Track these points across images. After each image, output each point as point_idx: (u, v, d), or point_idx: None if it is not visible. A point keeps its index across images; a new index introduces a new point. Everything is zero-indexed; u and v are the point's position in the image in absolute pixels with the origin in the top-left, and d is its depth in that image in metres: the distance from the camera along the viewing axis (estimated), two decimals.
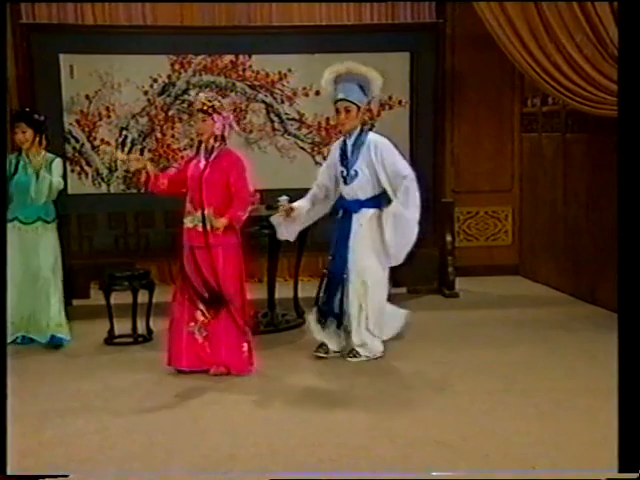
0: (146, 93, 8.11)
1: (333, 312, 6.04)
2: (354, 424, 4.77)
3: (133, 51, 8.03)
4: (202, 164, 5.64)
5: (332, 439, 4.54)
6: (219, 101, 5.67)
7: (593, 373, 5.50)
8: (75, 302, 7.70)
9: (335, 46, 7.66)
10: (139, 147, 8.00)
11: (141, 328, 6.66)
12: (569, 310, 7.51)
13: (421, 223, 5.99)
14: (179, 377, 5.68)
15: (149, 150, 7.99)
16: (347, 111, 5.94)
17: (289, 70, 8.20)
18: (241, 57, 8.17)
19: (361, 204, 6.01)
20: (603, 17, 6.35)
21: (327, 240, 6.19)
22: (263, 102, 8.26)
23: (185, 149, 7.92)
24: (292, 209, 6.05)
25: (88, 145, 8.11)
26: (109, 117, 8.09)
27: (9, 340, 6.26)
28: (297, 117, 8.29)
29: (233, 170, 5.60)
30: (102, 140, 8.08)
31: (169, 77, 8.11)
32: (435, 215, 8.02)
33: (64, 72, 7.91)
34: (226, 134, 5.68)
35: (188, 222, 5.64)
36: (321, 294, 6.11)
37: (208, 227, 5.54)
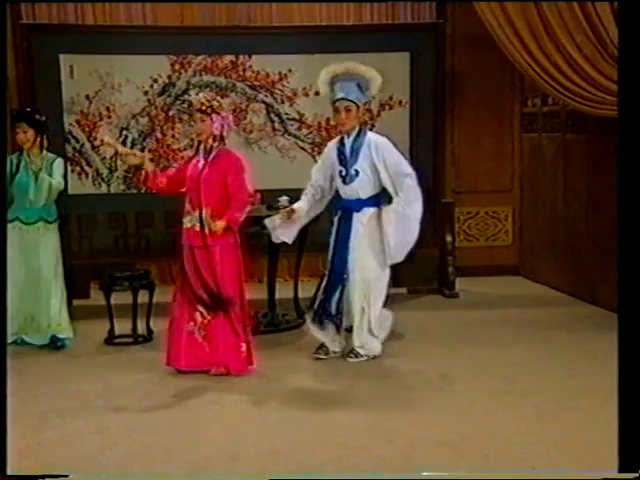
0: (146, 93, 8.12)
1: (331, 313, 6.03)
2: (354, 424, 4.77)
3: (133, 51, 8.04)
4: (201, 164, 5.65)
5: (332, 439, 4.54)
6: (218, 101, 5.66)
7: (593, 373, 5.50)
8: (75, 302, 7.68)
9: (335, 46, 7.67)
10: (139, 147, 7.99)
11: (141, 328, 6.66)
12: (569, 310, 7.51)
13: (421, 223, 5.99)
14: (179, 377, 5.68)
15: (149, 150, 7.98)
16: (347, 110, 5.94)
17: (289, 70, 8.21)
18: (241, 57, 8.18)
19: (362, 203, 6.01)
20: (603, 17, 6.34)
21: (327, 240, 6.18)
22: (263, 102, 8.27)
23: (185, 149, 7.91)
24: (294, 211, 6.04)
25: (88, 145, 8.12)
26: (109, 117, 8.10)
27: (10, 340, 6.26)
28: (297, 117, 8.30)
29: (231, 170, 5.60)
30: (102, 140, 8.08)
31: (169, 77, 8.12)
32: (435, 215, 8.01)
33: (64, 72, 7.92)
34: (225, 134, 5.68)
35: (187, 222, 5.65)
36: (320, 295, 6.09)
37: (206, 230, 5.55)
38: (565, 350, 6.20)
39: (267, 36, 8.25)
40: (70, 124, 8.02)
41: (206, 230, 5.54)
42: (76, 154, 8.07)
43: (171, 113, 8.17)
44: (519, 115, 8.92)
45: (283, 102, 8.27)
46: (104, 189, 8.18)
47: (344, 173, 6.01)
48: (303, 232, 6.47)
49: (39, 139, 6.42)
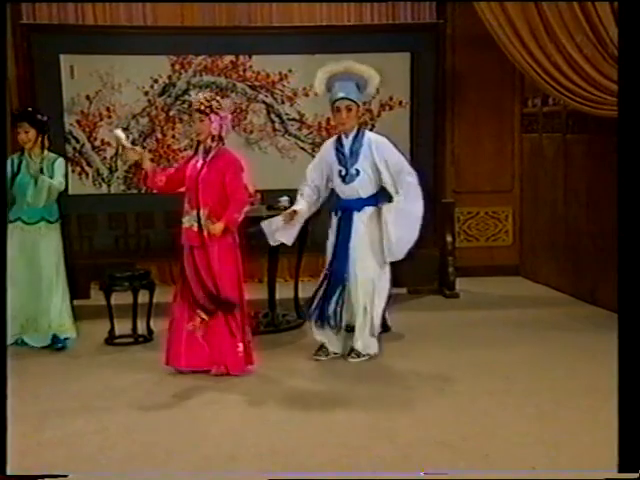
0: (146, 94, 8.12)
1: (331, 313, 6.01)
2: (354, 424, 4.77)
3: (134, 51, 8.03)
4: (200, 164, 5.65)
5: (332, 439, 4.54)
6: (217, 101, 5.67)
7: (593, 373, 5.49)
8: (75, 302, 7.65)
9: (335, 46, 7.66)
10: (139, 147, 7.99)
11: (141, 328, 6.66)
12: (569, 310, 7.51)
13: (422, 223, 6.00)
14: (179, 377, 5.68)
15: (150, 150, 7.96)
16: (348, 110, 5.95)
17: (289, 70, 8.21)
18: (241, 57, 8.18)
19: (363, 202, 6.01)
20: (603, 17, 6.34)
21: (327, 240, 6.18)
22: (263, 102, 8.27)
23: (185, 149, 7.91)
24: (296, 212, 6.02)
25: (89, 145, 8.12)
26: (110, 117, 8.10)
27: (11, 341, 6.26)
28: (297, 117, 8.30)
29: (229, 170, 5.61)
30: (102, 141, 8.09)
31: (169, 77, 8.12)
32: (435, 215, 8.00)
33: (64, 72, 7.92)
34: (224, 134, 5.69)
35: (185, 222, 5.67)
36: (319, 295, 6.06)
37: (205, 233, 5.55)
38: (565, 350, 6.20)
39: (267, 36, 8.24)
40: (70, 124, 8.02)
41: (205, 232, 5.55)
42: (76, 154, 8.07)
43: (171, 113, 8.17)
44: (519, 115, 8.92)
45: (283, 102, 8.27)
46: (104, 189, 8.18)
47: (344, 173, 6.00)
48: (303, 232, 6.46)
49: (40, 139, 6.42)
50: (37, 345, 6.42)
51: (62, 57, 7.88)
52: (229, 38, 8.23)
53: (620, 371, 3.65)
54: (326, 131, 8.13)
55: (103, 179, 8.17)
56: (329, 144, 6.16)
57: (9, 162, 6.35)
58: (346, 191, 6.02)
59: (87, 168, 8.13)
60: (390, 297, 6.23)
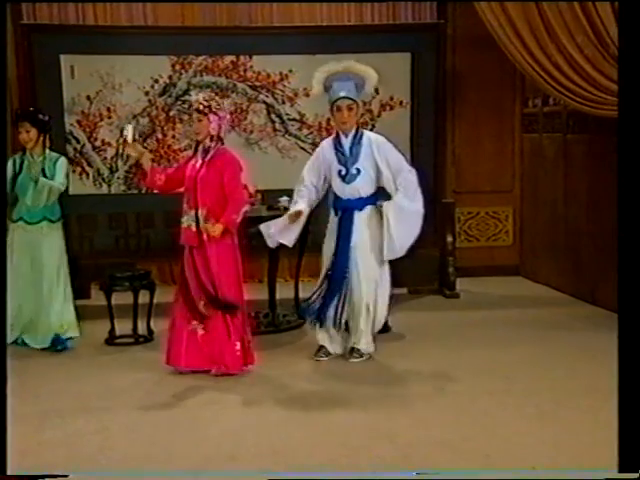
0: (147, 94, 8.12)
1: (332, 314, 6.01)
2: (354, 424, 4.77)
3: (134, 51, 8.05)
4: (198, 164, 5.66)
5: (332, 439, 4.54)
6: (216, 101, 5.67)
7: (593, 373, 5.49)
8: (76, 302, 7.68)
9: (336, 46, 7.66)
10: None
11: (142, 328, 6.66)
12: (570, 310, 7.51)
13: (422, 224, 6.00)
14: (180, 377, 5.68)
15: (150, 151, 7.96)
16: (349, 109, 5.96)
17: (290, 71, 8.21)
18: (242, 58, 8.19)
19: (364, 202, 6.01)
20: (604, 17, 6.34)
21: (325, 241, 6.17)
22: (264, 103, 8.28)
23: (186, 150, 7.92)
24: (301, 213, 6.00)
25: (89, 146, 8.13)
26: (110, 118, 8.11)
27: (11, 340, 6.26)
28: (298, 117, 8.30)
29: (227, 170, 5.61)
30: (103, 141, 8.10)
31: (170, 78, 8.13)
32: (436, 215, 8.00)
33: (65, 72, 7.93)
34: (222, 134, 5.69)
35: (184, 222, 5.67)
36: (320, 296, 6.05)
37: (205, 237, 5.55)
38: (565, 350, 6.20)
39: (268, 36, 8.25)
40: (71, 124, 8.04)
41: (204, 235, 5.55)
42: (77, 154, 8.08)
43: (172, 113, 8.18)
44: (520, 115, 8.92)
45: (284, 102, 8.28)
46: (105, 189, 8.19)
47: (344, 172, 6.00)
48: (304, 232, 6.44)
49: (42, 139, 6.40)
50: (37, 346, 6.39)
51: (62, 57, 7.90)
52: (230, 38, 8.24)
53: (620, 371, 3.64)
54: (326, 131, 8.12)
55: (103, 179, 8.17)
56: (327, 144, 6.15)
57: (11, 162, 6.35)
58: (346, 191, 6.02)
59: (87, 168, 8.14)
60: (392, 297, 6.23)
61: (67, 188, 6.71)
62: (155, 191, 6.10)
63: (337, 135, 6.08)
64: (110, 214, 8.18)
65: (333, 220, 6.07)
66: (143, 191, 7.93)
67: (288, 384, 5.60)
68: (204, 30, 8.34)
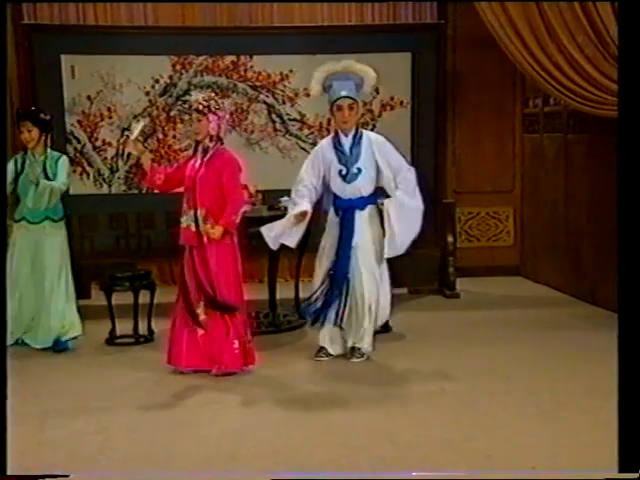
0: (147, 94, 8.12)
1: (333, 314, 6.02)
2: (354, 424, 4.77)
3: (135, 52, 8.04)
4: (198, 164, 5.66)
5: (332, 439, 4.54)
6: (215, 101, 5.68)
7: (594, 373, 5.48)
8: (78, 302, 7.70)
9: (336, 46, 7.65)
10: None
11: (142, 329, 6.66)
12: (570, 311, 7.51)
13: (422, 223, 6.01)
14: (180, 377, 5.68)
15: (150, 151, 7.96)
16: (350, 108, 5.97)
17: (290, 71, 8.21)
18: (242, 58, 8.18)
19: (365, 201, 6.02)
20: (604, 17, 6.34)
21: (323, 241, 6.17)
22: (264, 103, 8.27)
23: (186, 150, 7.89)
24: (307, 213, 5.95)
25: (90, 146, 8.13)
26: (110, 118, 8.10)
27: (12, 341, 6.26)
28: (298, 118, 8.30)
29: (226, 170, 5.61)
30: (103, 141, 8.10)
31: (170, 78, 8.13)
32: (436, 216, 8.01)
33: (65, 73, 7.92)
34: (222, 134, 5.69)
35: (183, 222, 5.68)
36: (321, 296, 6.04)
37: (205, 239, 5.55)
38: (566, 350, 6.20)
39: (268, 36, 8.25)
40: (72, 124, 8.03)
41: (204, 238, 5.56)
42: (77, 154, 8.07)
43: (172, 113, 8.18)
44: (520, 115, 8.92)
45: (284, 102, 8.27)
46: (105, 189, 8.19)
47: (345, 172, 6.00)
48: (304, 233, 6.43)
49: (43, 138, 6.40)
50: (37, 346, 6.39)
51: (63, 57, 7.89)
52: (230, 38, 8.24)
53: (620, 371, 3.64)
54: (327, 131, 8.09)
55: (104, 179, 8.17)
56: (326, 143, 6.15)
57: (12, 162, 6.34)
58: (347, 190, 6.01)
59: (88, 168, 8.14)
60: (392, 297, 6.23)
61: (68, 188, 6.71)
62: (155, 191, 6.10)
63: (336, 134, 6.08)
64: (111, 214, 8.17)
65: (333, 220, 6.06)
66: (144, 191, 7.93)
67: (288, 384, 5.60)
68: (205, 30, 8.34)
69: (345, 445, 4.44)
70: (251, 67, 8.19)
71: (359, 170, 5.98)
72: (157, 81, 8.11)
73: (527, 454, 4.28)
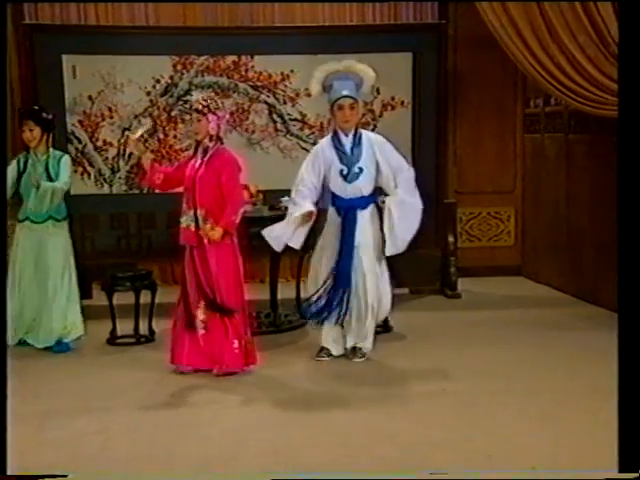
0: (149, 94, 8.13)
1: (334, 313, 6.01)
2: (355, 424, 4.77)
3: (136, 52, 8.05)
4: (197, 164, 5.67)
5: (333, 439, 4.54)
6: (215, 101, 5.69)
7: (594, 373, 5.48)
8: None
9: (337, 47, 7.65)
10: None
11: (143, 329, 6.66)
12: (571, 311, 7.51)
13: (423, 223, 6.02)
14: (181, 377, 5.69)
15: (151, 151, 7.97)
16: (352, 107, 5.97)
17: (291, 71, 8.22)
18: (243, 58, 8.19)
19: (366, 200, 6.02)
20: (606, 17, 6.34)
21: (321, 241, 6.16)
22: (265, 103, 8.28)
23: (187, 150, 7.87)
24: (312, 213, 5.91)
25: (91, 146, 8.14)
26: (112, 118, 8.11)
27: (15, 342, 6.26)
28: (299, 118, 8.30)
29: (225, 170, 5.61)
30: (104, 141, 8.10)
31: (171, 78, 8.14)
32: (437, 216, 8.02)
33: (67, 73, 7.93)
34: (222, 134, 5.70)
35: (183, 222, 5.68)
36: (323, 296, 6.03)
37: (205, 241, 5.56)
38: (567, 350, 6.19)
39: (269, 36, 8.25)
40: (73, 124, 8.04)
41: (203, 238, 5.56)
42: (78, 154, 8.08)
43: (173, 113, 8.18)
44: (521, 115, 8.92)
45: (285, 102, 8.28)
46: (106, 189, 8.19)
47: (346, 172, 5.99)
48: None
49: (45, 137, 6.40)
50: (39, 346, 6.39)
51: (64, 57, 7.90)
52: (231, 38, 8.24)
53: (620, 371, 3.64)
54: (328, 132, 8.13)
55: (105, 179, 8.18)
56: (325, 143, 6.13)
57: (15, 162, 6.34)
58: (348, 190, 6.00)
59: (89, 168, 8.15)
60: (393, 297, 6.24)
61: (69, 188, 6.71)
62: (156, 191, 6.10)
63: (336, 134, 6.07)
64: (112, 214, 8.17)
65: (334, 219, 6.04)
66: (145, 191, 7.93)
67: (289, 384, 5.60)
68: (206, 30, 8.34)
69: (346, 445, 4.44)
70: (252, 67, 8.20)
71: (360, 170, 5.98)
72: (158, 81, 8.12)
73: (527, 454, 4.28)
